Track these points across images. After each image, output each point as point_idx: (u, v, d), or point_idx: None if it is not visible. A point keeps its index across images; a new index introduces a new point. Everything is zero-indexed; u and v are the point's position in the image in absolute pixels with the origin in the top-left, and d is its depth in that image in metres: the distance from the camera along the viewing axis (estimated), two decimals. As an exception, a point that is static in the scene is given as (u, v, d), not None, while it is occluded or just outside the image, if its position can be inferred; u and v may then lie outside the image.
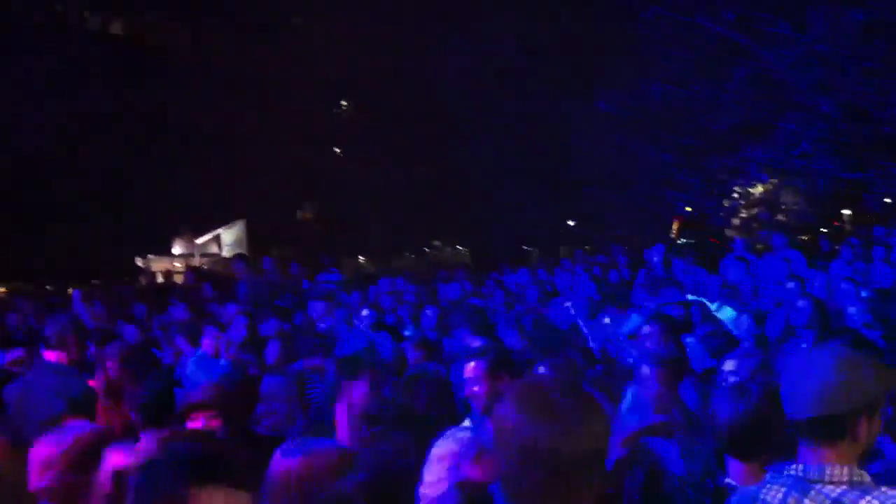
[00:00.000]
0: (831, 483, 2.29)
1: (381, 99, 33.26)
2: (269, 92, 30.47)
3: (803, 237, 19.24)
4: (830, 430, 2.30)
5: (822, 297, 7.48)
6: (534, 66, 26.86)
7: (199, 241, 33.03)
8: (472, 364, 4.23)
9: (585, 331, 7.83)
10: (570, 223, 32.00)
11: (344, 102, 39.50)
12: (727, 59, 20.12)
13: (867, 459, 2.41)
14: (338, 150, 39.76)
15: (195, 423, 4.49)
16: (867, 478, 2.31)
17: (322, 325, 8.48)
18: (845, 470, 2.29)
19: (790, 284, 8.04)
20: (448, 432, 3.85)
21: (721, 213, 25.90)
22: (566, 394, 1.93)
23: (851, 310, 7.01)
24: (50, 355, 5.97)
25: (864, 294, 8.31)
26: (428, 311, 8.45)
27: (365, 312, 8.52)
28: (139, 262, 31.42)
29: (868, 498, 2.22)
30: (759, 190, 25.62)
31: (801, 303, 6.77)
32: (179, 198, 30.54)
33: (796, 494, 2.32)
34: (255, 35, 31.88)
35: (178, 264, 31.89)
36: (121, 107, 26.25)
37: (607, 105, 22.30)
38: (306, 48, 31.02)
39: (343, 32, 30.47)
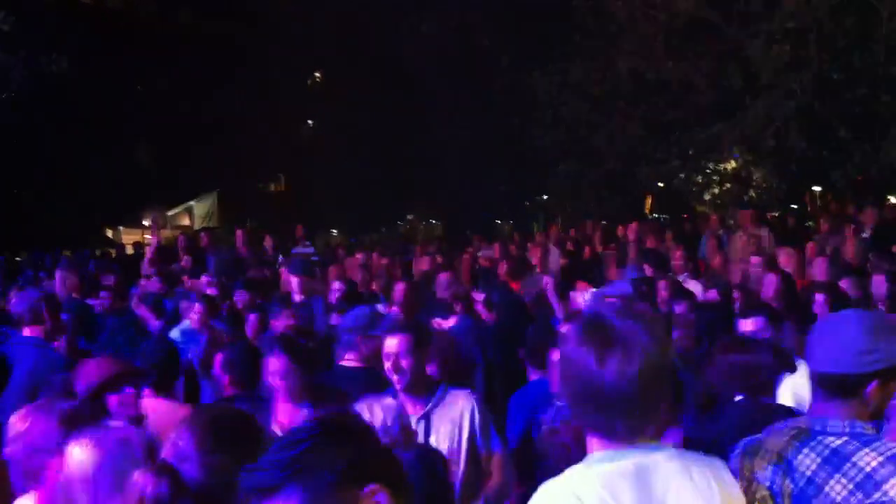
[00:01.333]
0: (832, 435, 2.37)
1: (354, 71, 33.03)
2: (242, 63, 30.17)
3: (773, 214, 19.42)
4: (843, 387, 2.38)
5: (791, 274, 7.57)
6: (504, 39, 26.72)
7: (171, 213, 32.79)
8: (396, 339, 4.13)
9: (555, 305, 7.91)
10: (543, 197, 32.07)
11: (317, 74, 39.18)
12: (697, 36, 20.14)
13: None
14: (310, 123, 39.52)
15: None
16: (871, 430, 2.40)
17: (297, 298, 8.48)
18: (847, 423, 2.37)
19: (757, 260, 8.14)
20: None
21: (693, 189, 26.03)
22: (623, 317, 2.02)
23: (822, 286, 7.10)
24: (27, 331, 5.94)
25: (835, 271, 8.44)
26: (399, 286, 8.46)
27: (337, 285, 8.52)
28: (109, 233, 31.18)
29: (866, 450, 2.30)
30: (730, 166, 25.73)
31: (768, 277, 6.88)
32: (151, 169, 30.31)
33: (796, 443, 2.40)
34: (226, 5, 31.47)
35: (148, 236, 31.70)
36: (92, 76, 25.89)
37: (578, 79, 22.31)
38: (278, 19, 30.66)
39: (315, 4, 30.12)
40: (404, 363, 4.07)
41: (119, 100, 27.74)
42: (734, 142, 21.50)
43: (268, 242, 13.77)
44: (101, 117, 26.61)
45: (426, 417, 4.14)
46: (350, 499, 1.64)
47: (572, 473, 2.03)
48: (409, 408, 4.12)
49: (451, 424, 4.14)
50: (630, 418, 2.00)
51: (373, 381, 4.87)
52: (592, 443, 2.07)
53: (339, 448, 1.68)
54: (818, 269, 7.89)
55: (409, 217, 41.09)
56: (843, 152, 19.44)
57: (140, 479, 2.21)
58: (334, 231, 34.82)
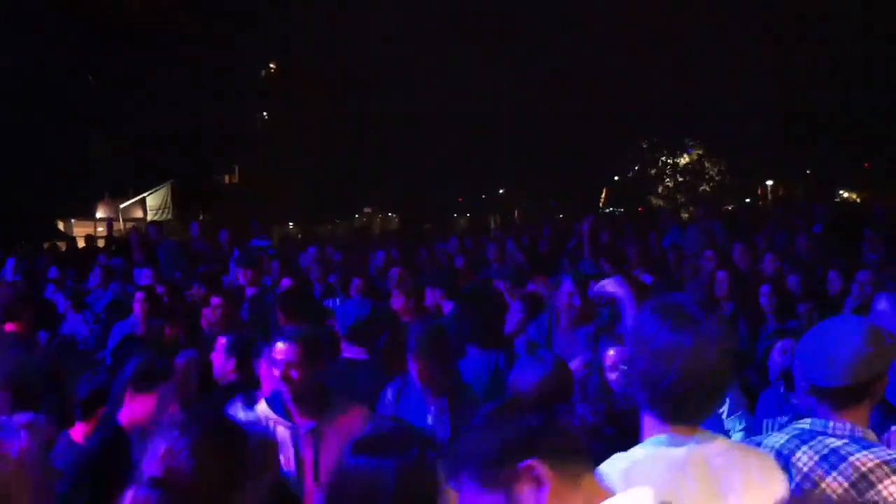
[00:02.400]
0: (833, 436, 2.42)
1: (310, 61, 32.78)
2: (195, 52, 29.78)
3: (727, 207, 19.68)
4: (849, 397, 2.43)
5: (743, 268, 7.66)
6: (463, 31, 26.73)
7: (123, 205, 32.29)
8: (285, 346, 3.92)
9: (509, 299, 7.88)
10: (500, 192, 32.17)
11: (272, 65, 38.81)
12: (653, 31, 20.32)
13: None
14: (265, 114, 39.15)
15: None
16: (872, 435, 2.46)
17: (250, 292, 8.40)
18: (848, 426, 2.43)
19: (709, 254, 8.21)
20: None
21: (646, 182, 26.27)
22: (702, 308, 2.12)
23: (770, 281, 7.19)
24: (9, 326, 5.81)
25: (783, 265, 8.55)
26: (355, 281, 8.40)
27: (285, 282, 8.44)
28: (61, 225, 30.61)
29: (865, 452, 2.34)
30: (684, 160, 26.01)
31: (720, 274, 6.94)
32: (103, 161, 29.77)
33: (797, 441, 2.45)
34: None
35: (100, 228, 31.19)
36: (42, 64, 25.38)
37: (535, 73, 22.40)
38: (233, 8, 30.30)
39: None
40: (294, 373, 3.86)
41: (70, 89, 27.24)
42: (688, 135, 21.75)
43: (223, 236, 13.60)
44: (51, 107, 26.10)
45: (316, 432, 3.92)
46: (506, 476, 1.72)
47: (636, 454, 2.12)
48: (297, 419, 3.95)
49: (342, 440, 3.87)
50: (696, 405, 2.11)
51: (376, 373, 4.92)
52: (650, 425, 2.15)
53: (492, 430, 1.78)
54: (766, 265, 7.98)
55: (366, 210, 40.95)
56: (797, 147, 19.75)
57: (133, 492, 2.15)
58: (290, 224, 34.58)
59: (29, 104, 25.33)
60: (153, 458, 2.23)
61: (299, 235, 24.01)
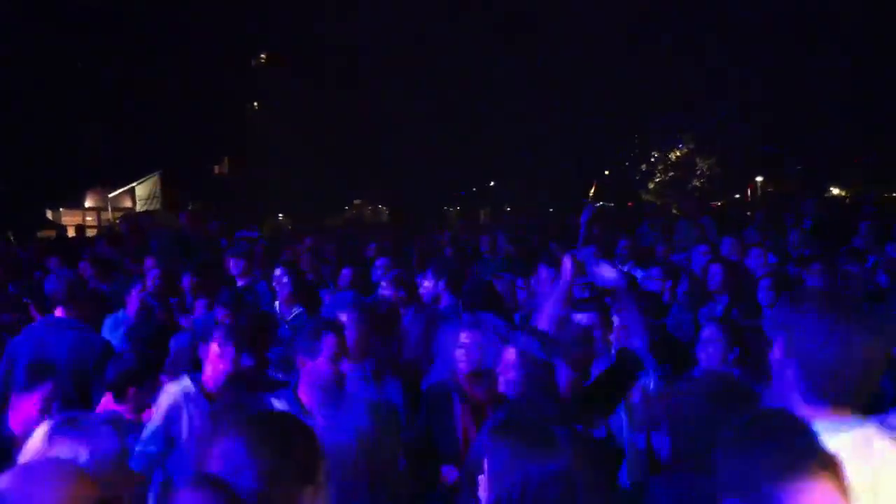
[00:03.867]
0: None
1: (300, 52, 32.69)
2: (186, 43, 29.64)
3: (717, 202, 19.75)
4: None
5: (734, 262, 7.67)
6: (455, 25, 26.71)
7: (112, 194, 32.16)
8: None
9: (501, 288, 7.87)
10: (491, 184, 32.17)
11: (262, 56, 38.67)
12: (647, 24, 20.34)
13: None
14: (255, 105, 39.03)
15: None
16: None
17: (241, 283, 8.37)
18: None
19: (701, 249, 8.22)
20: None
21: (637, 178, 26.34)
22: (860, 298, 2.16)
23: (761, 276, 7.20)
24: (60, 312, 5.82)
25: (772, 260, 8.57)
26: (344, 271, 8.39)
27: (278, 272, 8.41)
28: (50, 214, 30.48)
29: None
30: (675, 155, 26.06)
31: (713, 267, 6.95)
32: (93, 150, 29.59)
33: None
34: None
35: (90, 218, 31.06)
36: (31, 54, 25.22)
37: (525, 67, 22.40)
38: (224, -1, 30.19)
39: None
40: (222, 367, 4.08)
41: (60, 78, 27.08)
42: (679, 131, 21.78)
43: (213, 226, 13.57)
44: (40, 95, 25.96)
45: None
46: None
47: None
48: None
49: None
50: (865, 392, 2.19)
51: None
52: (810, 411, 2.16)
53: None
54: (752, 260, 7.99)
55: (357, 202, 40.88)
56: (786, 143, 19.80)
57: (190, 495, 2.05)
58: (280, 215, 34.50)
59: (18, 92, 25.19)
60: (211, 458, 2.16)
61: (289, 227, 23.94)
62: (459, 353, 4.30)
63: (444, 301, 6.82)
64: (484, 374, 4.18)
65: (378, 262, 8.86)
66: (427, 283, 7.18)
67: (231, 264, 8.70)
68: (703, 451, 2.42)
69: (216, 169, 39.55)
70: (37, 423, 3.02)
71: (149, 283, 7.53)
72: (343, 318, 4.38)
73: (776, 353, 2.28)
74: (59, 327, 5.69)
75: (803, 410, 2.17)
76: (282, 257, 9.90)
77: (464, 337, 4.33)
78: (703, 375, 3.87)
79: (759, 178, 24.30)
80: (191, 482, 2.08)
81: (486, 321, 4.96)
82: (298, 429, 2.33)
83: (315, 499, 2.20)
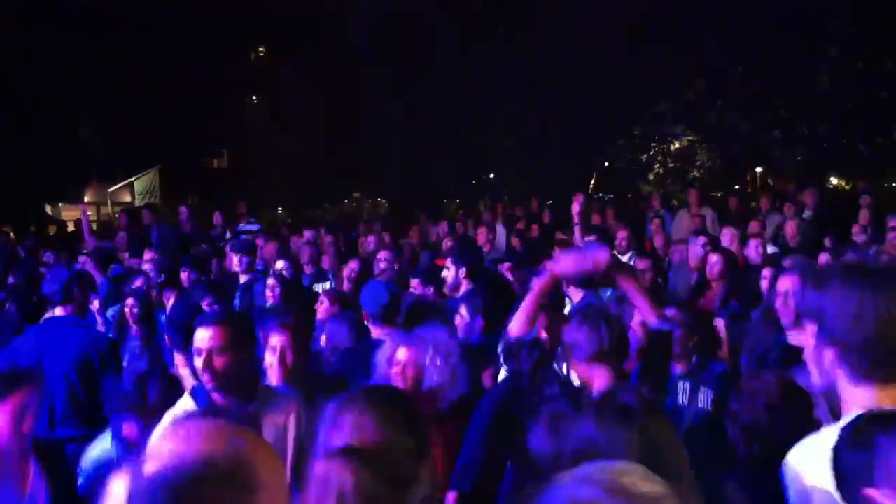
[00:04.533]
0: None
1: (298, 47, 32.61)
2: (185, 36, 29.56)
3: (716, 194, 19.74)
4: None
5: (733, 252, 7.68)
6: (453, 16, 26.59)
7: (111, 189, 32.16)
8: (210, 332, 3.57)
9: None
10: (490, 176, 32.13)
11: (261, 49, 38.58)
12: (644, 20, 20.29)
13: None
14: (254, 98, 38.98)
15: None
16: None
17: (243, 279, 8.37)
18: None
19: (701, 240, 8.24)
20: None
21: (636, 168, 26.32)
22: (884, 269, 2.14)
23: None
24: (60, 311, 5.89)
25: (771, 250, 8.59)
26: (352, 263, 8.40)
27: (280, 264, 8.41)
28: (48, 209, 30.46)
29: None
30: (674, 146, 26.06)
31: (713, 257, 6.96)
32: (90, 144, 29.58)
33: None
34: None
35: (89, 213, 30.99)
36: (30, 47, 25.17)
37: (523, 59, 22.37)
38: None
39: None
40: (217, 361, 3.52)
41: (58, 72, 27.02)
42: (677, 120, 21.76)
43: (217, 219, 13.56)
44: (38, 90, 25.92)
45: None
46: None
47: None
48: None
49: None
50: None
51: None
52: (865, 395, 2.08)
53: None
54: (752, 250, 8.00)
55: (355, 195, 40.84)
56: (784, 132, 19.79)
57: (332, 467, 2.08)
58: (279, 209, 34.47)
59: (15, 87, 25.15)
60: (338, 431, 2.18)
61: (288, 220, 23.92)
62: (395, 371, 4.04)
63: (465, 289, 6.80)
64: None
65: (379, 255, 8.88)
66: (447, 272, 7.16)
67: (233, 260, 8.70)
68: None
69: (215, 163, 39.56)
70: (9, 437, 2.98)
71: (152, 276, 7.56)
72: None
73: (811, 342, 2.18)
74: (61, 326, 5.72)
75: (847, 395, 2.11)
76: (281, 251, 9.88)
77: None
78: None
79: (758, 169, 24.31)
80: (326, 454, 2.12)
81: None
82: (413, 403, 2.43)
83: (429, 475, 2.23)
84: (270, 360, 4.11)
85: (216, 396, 3.56)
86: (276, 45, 36.08)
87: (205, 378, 3.53)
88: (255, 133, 35.30)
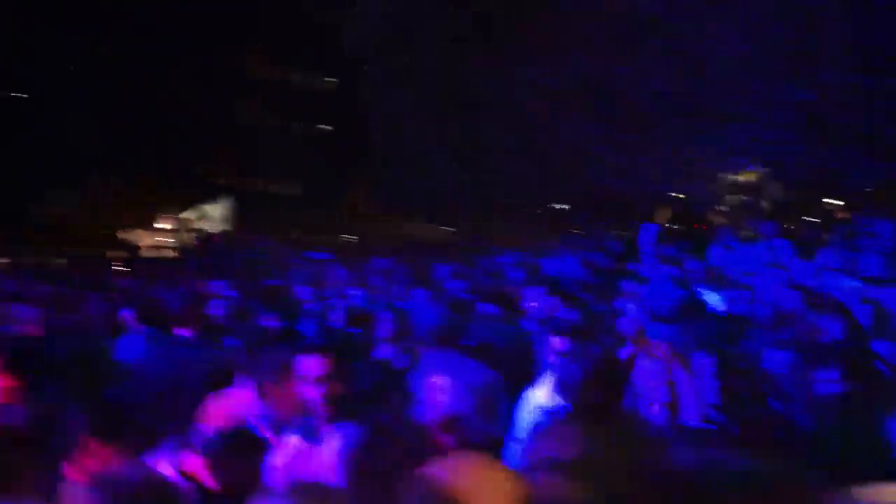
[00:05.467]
0: None
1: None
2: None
3: (788, 225, 19.40)
4: None
5: (809, 285, 7.58)
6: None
7: (184, 215, 32.66)
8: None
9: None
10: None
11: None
12: (698, 43, 19.91)
13: None
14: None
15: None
16: None
17: (310, 306, 8.47)
18: None
19: (772, 271, 8.14)
20: None
21: (701, 199, 25.92)
22: None
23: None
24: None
25: (848, 283, 8.43)
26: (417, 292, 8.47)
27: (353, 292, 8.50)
28: (121, 234, 31.05)
29: None
30: (742, 177, 25.70)
31: (786, 291, 6.89)
32: (166, 171, 29.91)
33: None
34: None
35: (160, 238, 31.64)
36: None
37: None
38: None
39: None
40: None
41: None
42: (740, 151, 21.43)
43: (286, 247, 13.77)
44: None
45: None
46: None
47: None
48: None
49: None
50: None
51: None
52: None
53: None
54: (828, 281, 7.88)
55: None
56: (853, 164, 19.35)
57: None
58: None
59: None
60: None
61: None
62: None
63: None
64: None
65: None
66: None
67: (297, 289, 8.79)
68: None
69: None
70: None
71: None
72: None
73: None
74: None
75: None
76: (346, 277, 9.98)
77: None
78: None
79: (827, 200, 23.81)
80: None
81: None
82: None
83: None
84: None
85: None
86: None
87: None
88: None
